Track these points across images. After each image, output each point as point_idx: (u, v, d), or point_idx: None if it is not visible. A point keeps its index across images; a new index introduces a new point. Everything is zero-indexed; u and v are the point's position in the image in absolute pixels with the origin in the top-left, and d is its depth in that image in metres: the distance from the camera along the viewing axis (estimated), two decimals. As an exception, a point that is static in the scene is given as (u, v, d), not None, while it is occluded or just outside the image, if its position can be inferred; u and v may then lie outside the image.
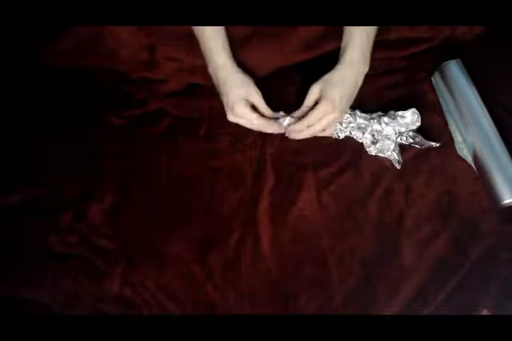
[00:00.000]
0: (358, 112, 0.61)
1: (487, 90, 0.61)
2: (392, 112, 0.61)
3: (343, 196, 0.59)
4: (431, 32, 0.68)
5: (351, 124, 0.61)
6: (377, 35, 0.62)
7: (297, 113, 0.59)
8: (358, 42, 0.59)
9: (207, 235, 0.58)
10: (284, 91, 0.66)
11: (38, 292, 0.56)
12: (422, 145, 0.60)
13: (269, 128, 0.60)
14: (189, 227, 0.59)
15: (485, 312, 0.52)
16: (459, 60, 0.64)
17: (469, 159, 0.60)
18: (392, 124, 0.60)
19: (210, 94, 0.66)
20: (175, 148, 0.65)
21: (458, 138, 0.62)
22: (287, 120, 0.59)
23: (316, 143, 0.62)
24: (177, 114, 0.68)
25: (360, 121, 0.61)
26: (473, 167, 0.60)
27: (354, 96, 0.60)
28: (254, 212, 0.59)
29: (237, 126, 0.61)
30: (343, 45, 0.60)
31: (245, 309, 0.54)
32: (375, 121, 0.60)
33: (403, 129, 0.60)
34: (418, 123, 0.60)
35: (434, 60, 0.67)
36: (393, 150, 0.60)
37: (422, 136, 0.60)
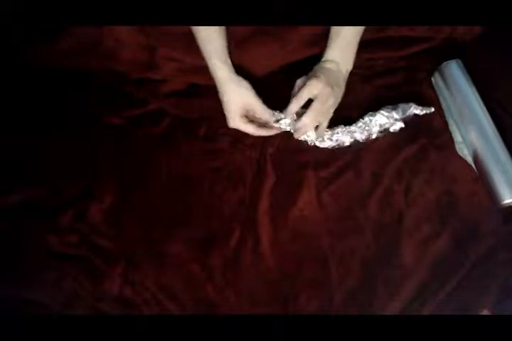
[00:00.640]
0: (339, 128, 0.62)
1: (487, 90, 0.61)
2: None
3: (343, 196, 0.59)
4: (431, 32, 0.68)
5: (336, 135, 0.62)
6: (378, 34, 0.62)
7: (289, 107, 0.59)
8: (335, 42, 0.60)
9: (207, 235, 0.58)
10: (284, 91, 0.66)
11: (38, 292, 0.56)
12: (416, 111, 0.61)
13: (268, 133, 0.62)
14: (189, 227, 0.59)
15: (485, 312, 0.52)
16: (459, 60, 0.64)
17: (469, 159, 0.60)
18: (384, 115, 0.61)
19: (210, 94, 0.65)
20: (175, 148, 0.65)
21: (458, 138, 0.62)
22: (286, 119, 0.60)
23: (316, 143, 0.62)
24: (177, 114, 0.68)
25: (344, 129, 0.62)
26: (473, 167, 0.60)
27: (342, 85, 0.60)
28: (254, 212, 0.59)
29: (238, 126, 0.61)
30: (325, 47, 0.62)
31: (245, 309, 0.55)
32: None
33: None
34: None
35: (434, 60, 0.67)
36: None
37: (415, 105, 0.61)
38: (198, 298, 0.55)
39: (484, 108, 0.60)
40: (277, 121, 0.61)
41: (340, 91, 0.61)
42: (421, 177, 0.59)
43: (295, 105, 0.58)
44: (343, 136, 0.61)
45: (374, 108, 0.63)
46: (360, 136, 0.61)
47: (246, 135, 0.64)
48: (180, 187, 0.62)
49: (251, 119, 0.62)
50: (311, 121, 0.57)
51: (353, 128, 0.61)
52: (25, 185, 0.62)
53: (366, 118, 0.61)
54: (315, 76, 0.57)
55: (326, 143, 0.62)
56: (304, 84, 0.58)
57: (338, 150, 0.62)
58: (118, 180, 0.63)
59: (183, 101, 0.69)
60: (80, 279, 0.56)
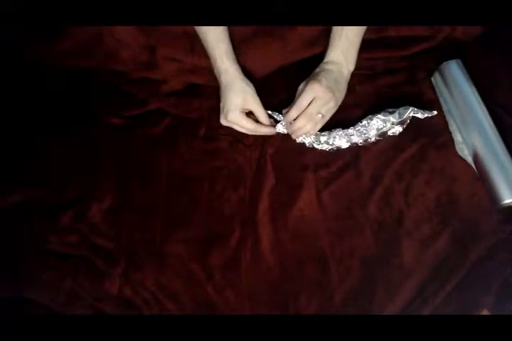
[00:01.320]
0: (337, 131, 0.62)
1: (487, 90, 0.61)
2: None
3: (343, 196, 0.59)
4: (431, 32, 0.68)
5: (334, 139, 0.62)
6: (378, 34, 0.62)
7: (289, 113, 0.60)
8: (337, 43, 0.60)
9: (207, 235, 0.58)
10: (284, 91, 0.66)
11: (38, 292, 0.56)
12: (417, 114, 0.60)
13: (262, 131, 0.62)
14: (189, 227, 0.59)
15: (485, 312, 0.52)
16: (459, 60, 0.64)
17: (469, 159, 0.60)
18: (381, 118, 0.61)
19: (210, 94, 0.66)
20: (175, 148, 0.65)
21: (458, 138, 0.62)
22: (283, 120, 0.61)
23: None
24: (177, 114, 0.68)
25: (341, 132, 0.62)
26: (473, 167, 0.60)
27: (343, 88, 0.60)
28: (254, 212, 0.59)
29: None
30: (327, 47, 0.62)
31: (245, 309, 0.54)
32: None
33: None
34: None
35: (434, 60, 0.67)
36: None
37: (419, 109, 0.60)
38: (198, 298, 0.55)
39: (484, 108, 0.60)
40: (276, 123, 0.61)
41: (341, 95, 0.61)
42: (421, 177, 0.59)
43: (295, 112, 0.58)
44: (341, 140, 0.61)
45: (374, 108, 0.63)
46: (358, 140, 0.61)
47: (246, 135, 0.64)
48: (180, 187, 0.62)
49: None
50: (304, 125, 0.58)
51: (350, 131, 0.61)
52: (25, 185, 0.62)
53: (364, 122, 0.61)
54: (316, 80, 0.57)
55: (324, 146, 0.62)
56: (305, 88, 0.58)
57: (338, 150, 0.62)
58: (118, 180, 0.63)
59: (183, 101, 0.69)
60: (80, 279, 0.56)
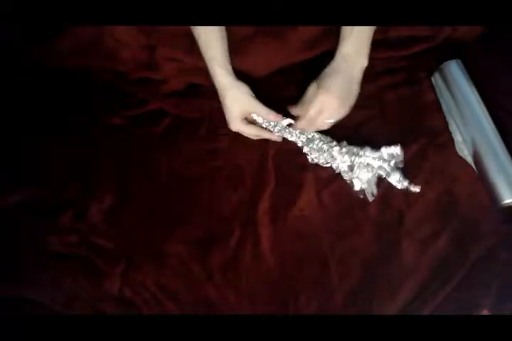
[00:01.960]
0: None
1: (487, 90, 0.61)
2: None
3: (343, 196, 0.59)
4: (431, 32, 0.67)
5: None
6: (378, 34, 0.62)
7: (298, 124, 0.60)
8: (353, 35, 0.58)
9: (207, 235, 0.58)
10: (284, 92, 0.66)
11: (38, 292, 0.56)
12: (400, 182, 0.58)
13: (266, 136, 0.62)
14: (189, 227, 0.59)
15: (485, 312, 0.52)
16: (459, 60, 0.64)
17: (469, 159, 0.60)
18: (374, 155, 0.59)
19: (210, 94, 0.65)
20: (175, 148, 0.65)
21: (458, 138, 0.62)
22: (287, 121, 0.61)
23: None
24: (177, 114, 0.68)
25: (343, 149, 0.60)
26: (473, 167, 0.60)
27: (355, 90, 0.59)
28: (254, 212, 0.59)
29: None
30: (339, 39, 0.60)
31: (245, 309, 0.55)
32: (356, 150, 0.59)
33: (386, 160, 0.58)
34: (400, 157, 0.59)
35: (434, 60, 0.67)
36: (369, 182, 0.58)
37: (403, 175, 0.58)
38: (198, 298, 0.55)
39: (484, 108, 0.60)
40: (274, 127, 0.61)
41: (351, 100, 0.59)
42: (421, 177, 0.59)
43: (305, 124, 0.59)
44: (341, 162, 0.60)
45: (374, 108, 0.63)
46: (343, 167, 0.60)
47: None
48: (180, 187, 0.62)
49: (251, 122, 0.62)
50: (302, 130, 0.59)
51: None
52: (25, 185, 0.62)
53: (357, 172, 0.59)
54: (325, 88, 0.56)
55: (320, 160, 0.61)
56: (314, 94, 0.57)
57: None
58: (118, 180, 0.63)
59: (183, 101, 0.69)
60: (80, 279, 0.56)
